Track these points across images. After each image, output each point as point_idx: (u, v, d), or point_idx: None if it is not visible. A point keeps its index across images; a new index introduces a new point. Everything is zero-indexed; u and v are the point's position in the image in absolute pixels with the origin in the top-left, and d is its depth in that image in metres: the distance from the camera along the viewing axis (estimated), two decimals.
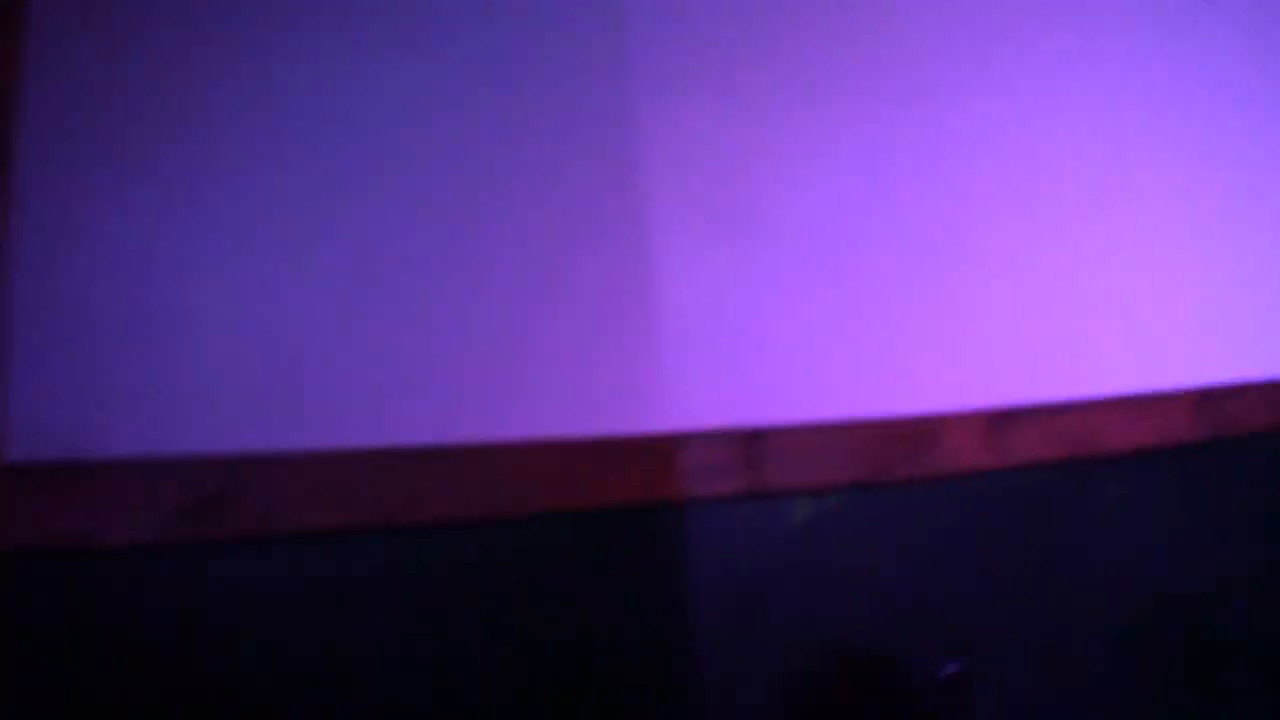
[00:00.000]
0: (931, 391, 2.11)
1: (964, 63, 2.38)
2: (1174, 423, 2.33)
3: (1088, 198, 2.39)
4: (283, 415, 1.68)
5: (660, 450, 1.89)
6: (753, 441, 1.94)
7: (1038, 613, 2.16)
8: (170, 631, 1.54)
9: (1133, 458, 2.28)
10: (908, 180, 2.23)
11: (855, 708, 1.92)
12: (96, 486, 1.53)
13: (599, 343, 1.93)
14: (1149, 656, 2.24)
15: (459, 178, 1.91)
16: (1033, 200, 2.34)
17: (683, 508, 1.89)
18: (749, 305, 2.00)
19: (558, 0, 2.05)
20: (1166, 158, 2.51)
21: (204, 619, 1.57)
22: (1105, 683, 2.19)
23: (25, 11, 1.66)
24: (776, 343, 2.00)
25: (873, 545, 2.03)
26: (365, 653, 1.67)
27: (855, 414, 2.04)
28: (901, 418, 2.06)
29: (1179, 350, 2.38)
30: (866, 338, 2.08)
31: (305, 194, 1.79)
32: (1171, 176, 2.51)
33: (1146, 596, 2.25)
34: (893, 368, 2.09)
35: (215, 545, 1.59)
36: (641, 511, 1.89)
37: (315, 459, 1.66)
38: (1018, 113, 2.38)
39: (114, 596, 1.53)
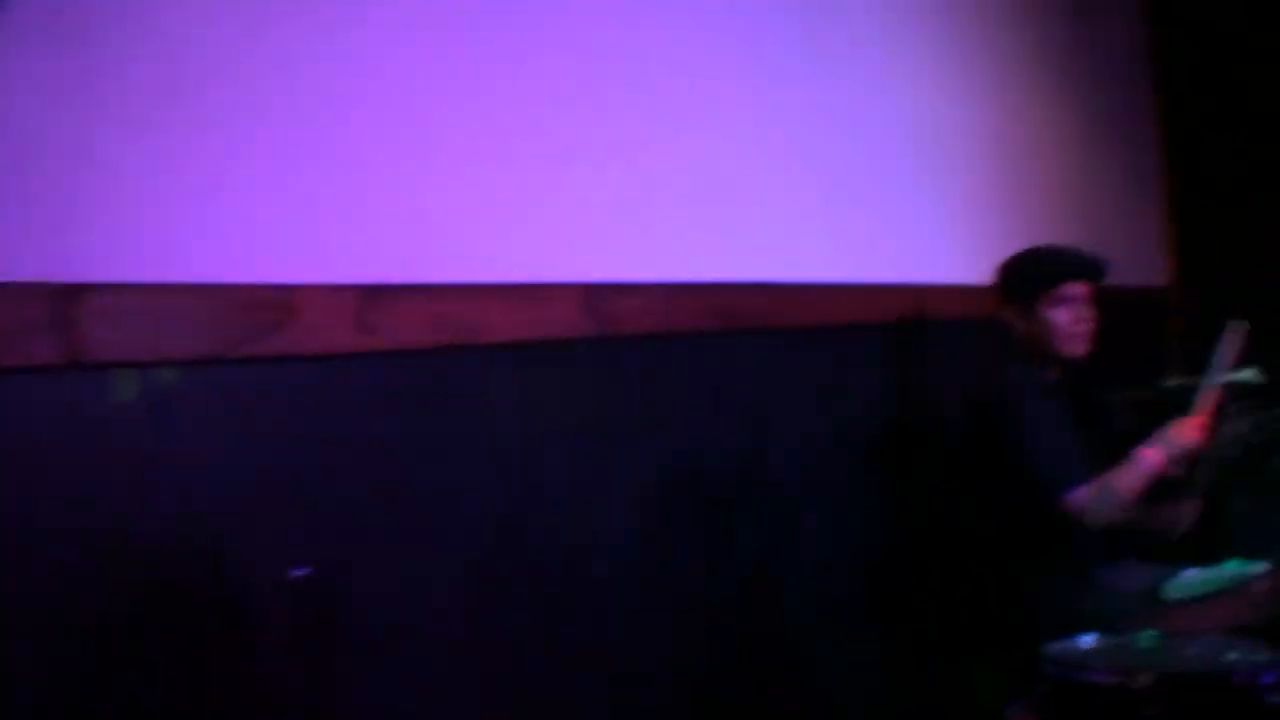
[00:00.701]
0: (293, 258, 1.80)
1: None
2: (561, 317, 2.20)
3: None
4: None
5: None
6: (67, 299, 1.53)
7: (407, 515, 1.92)
8: None
9: (516, 350, 2.11)
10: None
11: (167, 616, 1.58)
12: None
13: None
14: (511, 563, 2.09)
15: None
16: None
17: None
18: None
19: None
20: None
21: None
22: (461, 599, 2.01)
23: None
24: (95, 187, 1.59)
25: (215, 431, 1.68)
26: None
27: (203, 277, 1.69)
28: (255, 285, 1.74)
29: (565, 244, 2.25)
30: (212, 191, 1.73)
31: None
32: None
33: (515, 497, 2.10)
34: (251, 227, 1.76)
35: None
36: None
37: None
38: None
39: None
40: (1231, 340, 2.93)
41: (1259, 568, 2.73)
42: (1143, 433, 3.74)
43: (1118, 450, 2.96)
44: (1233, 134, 5.49)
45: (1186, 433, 2.78)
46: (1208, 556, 3.11)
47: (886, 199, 3.25)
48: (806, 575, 2.81)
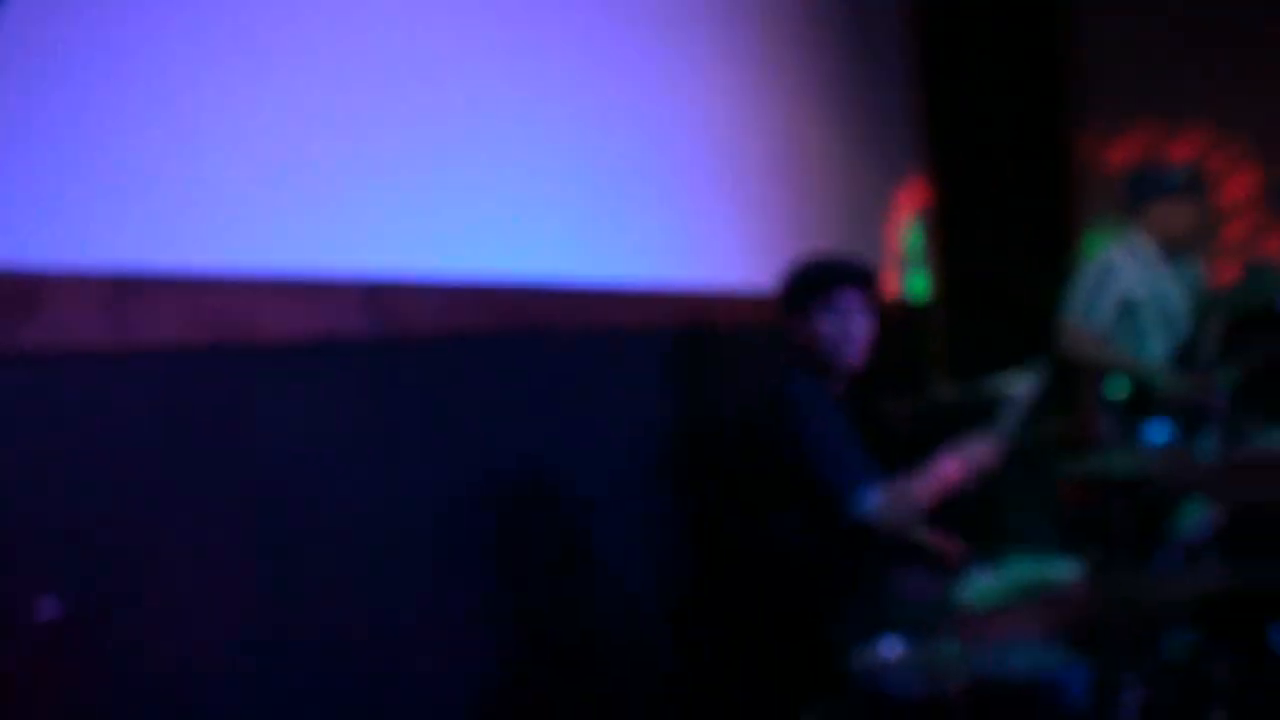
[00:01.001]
0: (35, 241, 1.56)
1: None
2: (339, 316, 2.01)
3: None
4: None
5: None
6: None
7: (171, 541, 1.70)
8: None
9: (291, 352, 1.91)
10: None
11: None
12: None
13: None
14: (291, 591, 1.89)
15: None
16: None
17: None
18: None
19: None
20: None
21: None
22: (238, 634, 1.80)
23: None
24: None
25: None
26: None
27: None
28: None
29: (344, 237, 2.06)
30: None
31: None
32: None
33: (293, 517, 1.90)
34: None
35: None
36: None
37: None
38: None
39: None
40: (1026, 388, 2.97)
41: (1053, 568, 2.76)
42: (919, 443, 3.83)
43: (898, 459, 2.98)
44: (988, 154, 5.74)
45: (985, 448, 2.80)
46: (992, 556, 3.17)
47: (677, 204, 3.18)
48: (603, 586, 2.70)
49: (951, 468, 2.74)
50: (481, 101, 2.43)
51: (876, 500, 2.65)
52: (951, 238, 5.77)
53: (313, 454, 1.94)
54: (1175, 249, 4.00)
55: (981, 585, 2.80)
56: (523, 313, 2.48)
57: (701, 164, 3.34)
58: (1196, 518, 2.45)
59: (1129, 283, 3.96)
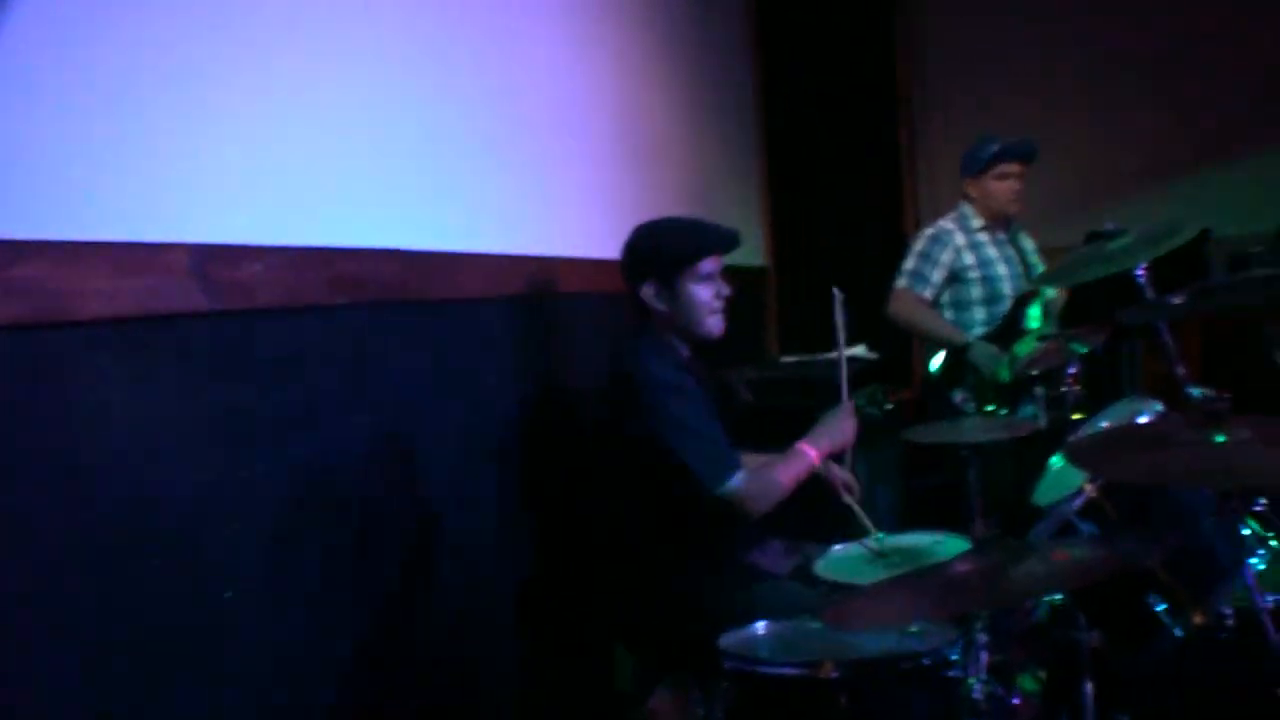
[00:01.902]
0: None
1: None
2: (166, 285, 1.80)
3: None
4: None
5: None
6: None
7: None
8: None
9: (113, 327, 1.70)
10: None
11: None
12: None
13: None
14: (119, 596, 1.69)
15: None
16: None
17: None
18: None
19: None
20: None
21: None
22: (63, 652, 1.60)
23: None
24: None
25: None
26: None
27: None
28: None
29: (172, 199, 1.85)
30: None
31: None
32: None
33: (121, 516, 1.70)
34: None
35: None
36: None
37: None
38: None
39: None
40: (840, 313, 2.91)
41: (910, 540, 2.75)
42: (765, 408, 3.79)
43: (749, 428, 2.92)
44: (820, 127, 5.77)
45: (846, 432, 2.76)
46: (844, 529, 3.15)
47: (519, 166, 3.04)
48: (450, 565, 2.56)
49: (813, 453, 2.69)
50: (325, 69, 2.23)
51: (741, 484, 2.57)
52: (784, 203, 5.79)
53: (138, 443, 1.74)
54: (1002, 220, 4.06)
55: (837, 556, 2.79)
56: (364, 281, 2.30)
57: (547, 129, 3.20)
58: (1063, 489, 2.45)
59: (957, 252, 4.03)
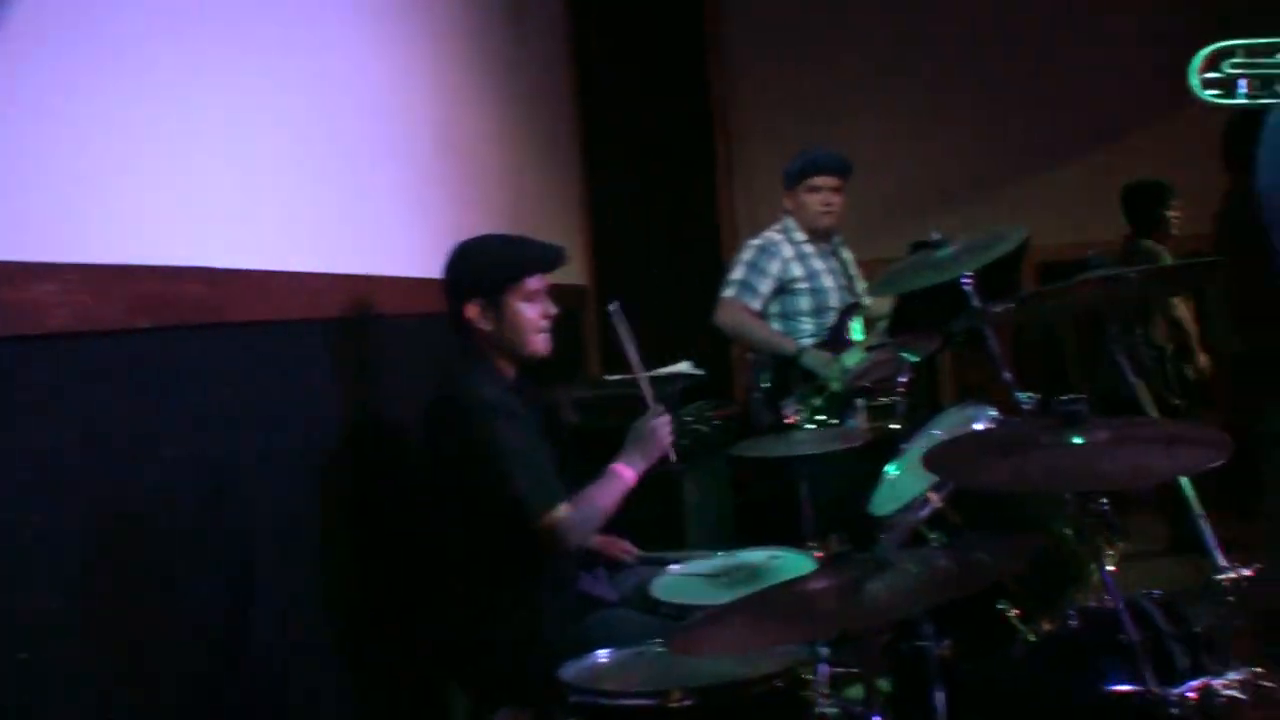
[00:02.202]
0: None
1: None
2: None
3: None
4: None
5: None
6: None
7: None
8: None
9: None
10: None
11: None
12: None
13: None
14: None
15: None
16: None
17: None
18: None
19: None
20: None
21: None
22: None
23: None
24: None
25: None
26: None
27: None
28: None
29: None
30: None
31: None
32: None
33: None
34: None
35: None
36: None
37: None
38: None
39: None
40: (620, 325, 2.87)
41: (747, 558, 2.70)
42: (592, 428, 3.71)
43: (573, 451, 2.84)
44: (639, 144, 5.75)
45: (660, 440, 2.68)
46: (674, 549, 3.09)
47: (335, 181, 2.88)
48: (271, 604, 2.38)
49: (628, 473, 2.62)
50: (123, 69, 2.05)
51: (565, 514, 2.47)
52: (604, 222, 5.74)
53: None
54: (820, 232, 4.08)
55: (676, 578, 2.72)
56: (168, 302, 2.11)
57: (365, 145, 3.05)
58: (900, 499, 2.43)
59: (785, 264, 4.02)
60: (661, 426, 2.69)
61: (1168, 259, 4.89)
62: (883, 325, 4.06)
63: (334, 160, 2.88)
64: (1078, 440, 1.56)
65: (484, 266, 2.66)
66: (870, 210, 4.97)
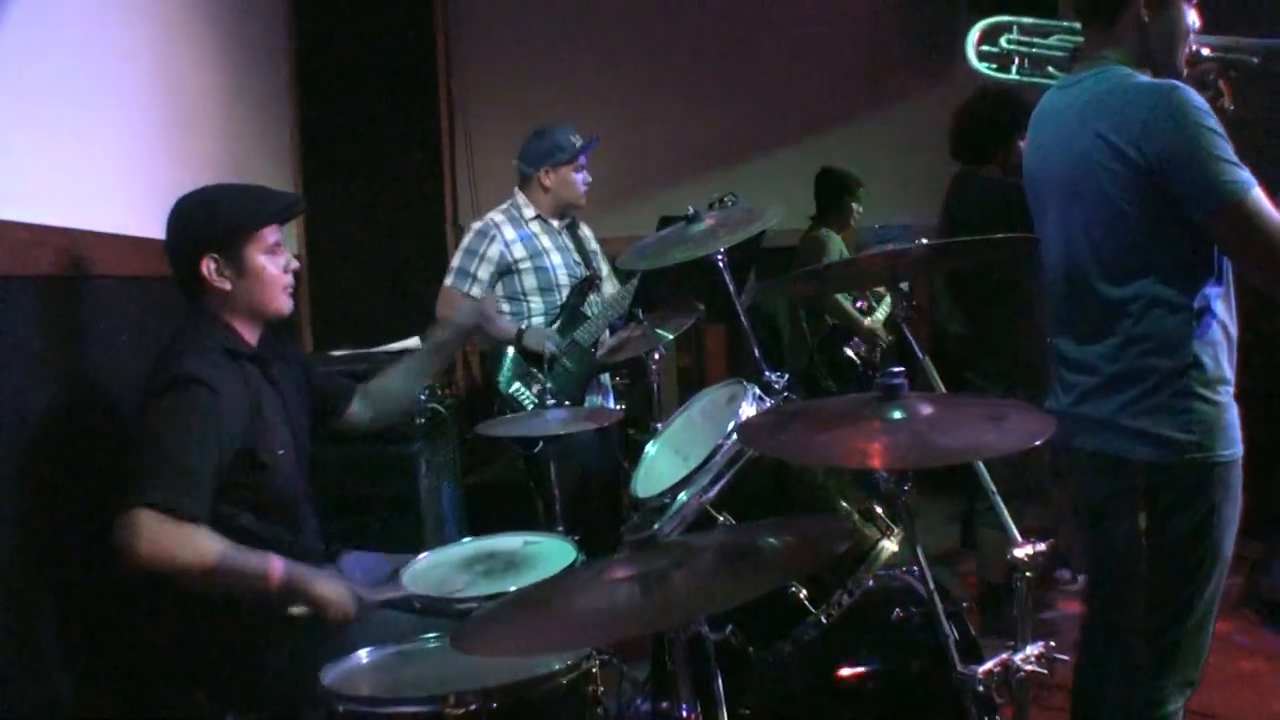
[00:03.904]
0: None
1: None
2: None
3: None
4: None
5: None
6: None
7: None
8: None
9: None
10: None
11: None
12: None
13: None
14: None
15: None
16: None
17: None
18: None
19: None
20: None
21: None
22: None
23: None
24: None
25: None
26: None
27: None
28: None
29: None
30: None
31: None
32: None
33: None
34: None
35: None
36: None
37: None
38: None
39: None
40: None
41: (499, 543, 2.57)
42: None
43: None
44: (358, 110, 5.47)
45: (338, 608, 2.23)
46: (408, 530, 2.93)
47: (45, 124, 2.52)
48: None
49: (279, 570, 2.20)
50: None
51: (165, 521, 2.06)
52: (319, 189, 5.41)
53: None
54: (560, 210, 4.00)
55: (426, 564, 2.56)
56: None
57: (78, 87, 2.70)
58: (661, 480, 2.35)
59: (506, 245, 3.92)
60: (348, 606, 2.26)
61: (837, 246, 5.18)
62: (623, 300, 3.99)
63: (45, 101, 2.52)
64: (898, 415, 1.51)
65: (218, 216, 2.36)
66: (609, 187, 4.92)
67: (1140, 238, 2.13)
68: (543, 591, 1.69)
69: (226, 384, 2.28)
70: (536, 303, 3.92)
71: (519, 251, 3.92)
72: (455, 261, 3.95)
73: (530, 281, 3.92)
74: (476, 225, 4.00)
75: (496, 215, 4.00)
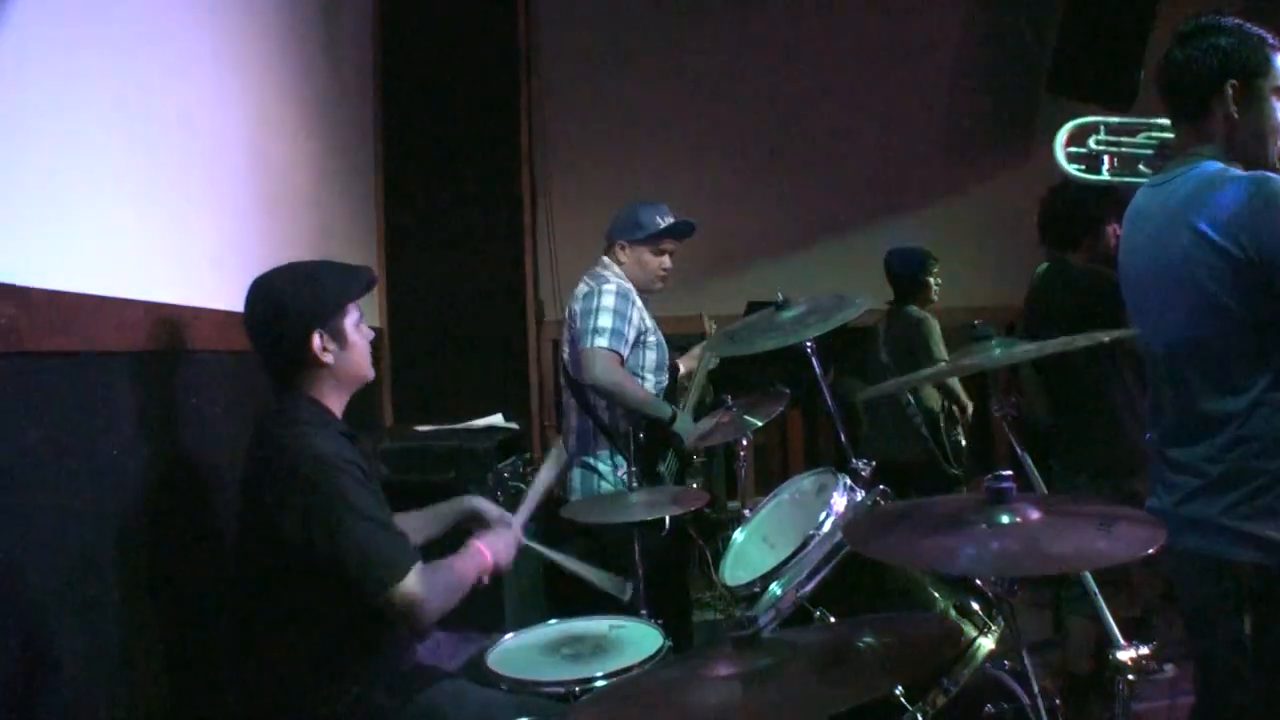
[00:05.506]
0: None
1: None
2: None
3: None
4: None
5: None
6: None
7: None
8: None
9: None
10: None
11: None
12: None
13: None
14: None
15: None
16: None
17: None
18: None
19: None
20: None
21: None
22: None
23: None
24: None
25: None
26: None
27: None
28: None
29: None
30: None
31: None
32: None
33: None
34: None
35: None
36: None
37: None
38: None
39: None
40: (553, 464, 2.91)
41: (584, 626, 2.57)
42: (406, 482, 3.50)
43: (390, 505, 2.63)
44: (440, 182, 5.56)
45: (504, 553, 2.51)
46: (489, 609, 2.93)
47: (149, 203, 2.59)
48: (61, 687, 2.06)
49: (489, 555, 2.44)
50: None
51: (416, 584, 2.17)
52: (401, 261, 5.50)
53: None
54: (644, 290, 3.81)
55: (512, 646, 2.57)
56: None
57: (180, 166, 2.78)
58: (751, 568, 2.35)
59: (641, 314, 3.71)
60: (515, 544, 2.57)
61: (933, 323, 5.06)
62: (699, 387, 3.91)
63: (151, 180, 2.59)
64: (1006, 520, 1.50)
65: (319, 293, 2.38)
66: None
67: (1244, 332, 2.11)
68: (642, 685, 1.69)
69: (358, 459, 2.32)
70: (651, 381, 3.73)
71: (648, 322, 3.72)
72: (602, 322, 3.58)
73: (652, 357, 3.73)
74: (609, 286, 3.68)
75: (621, 282, 3.72)
